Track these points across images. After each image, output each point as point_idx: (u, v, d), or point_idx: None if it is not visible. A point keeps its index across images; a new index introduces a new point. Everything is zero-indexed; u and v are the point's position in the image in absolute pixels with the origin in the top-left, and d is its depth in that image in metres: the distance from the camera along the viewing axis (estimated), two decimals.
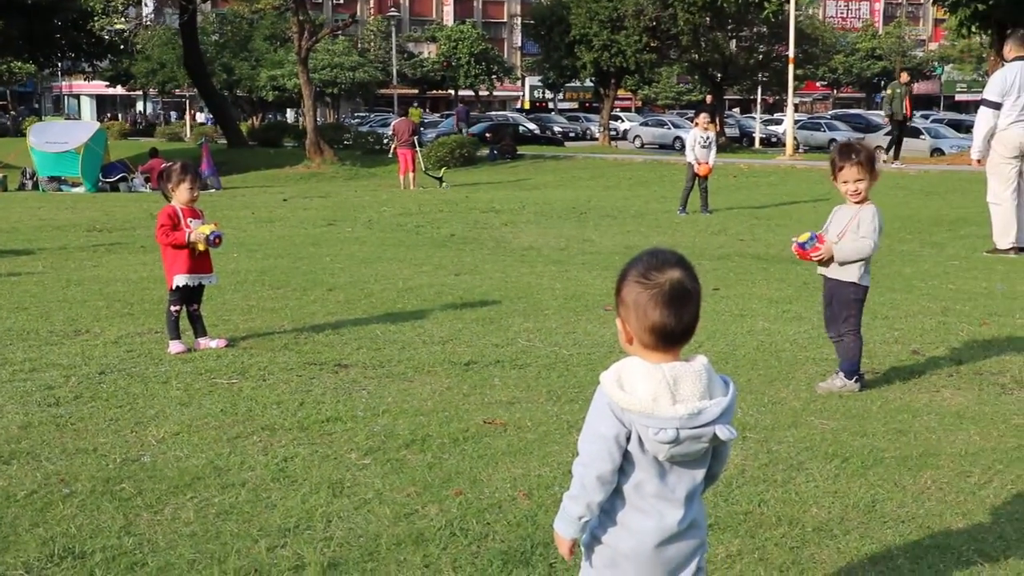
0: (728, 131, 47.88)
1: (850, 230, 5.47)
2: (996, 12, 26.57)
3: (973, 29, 28.58)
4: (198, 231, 6.52)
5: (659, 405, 2.33)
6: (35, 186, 25.46)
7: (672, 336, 2.37)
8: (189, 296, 6.69)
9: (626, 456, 2.40)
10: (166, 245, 6.57)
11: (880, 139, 33.75)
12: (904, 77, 27.35)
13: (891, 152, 26.88)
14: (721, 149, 20.10)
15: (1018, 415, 5.24)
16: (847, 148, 5.49)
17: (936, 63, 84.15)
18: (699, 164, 16.14)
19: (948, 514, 3.96)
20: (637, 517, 2.43)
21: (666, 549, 2.43)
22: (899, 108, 26.22)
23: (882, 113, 32.26)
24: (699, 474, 2.46)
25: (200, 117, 71.08)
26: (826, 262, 5.58)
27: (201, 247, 6.57)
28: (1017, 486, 4.25)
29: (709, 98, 36.80)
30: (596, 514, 2.45)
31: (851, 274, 5.57)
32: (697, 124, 16.84)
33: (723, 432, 2.36)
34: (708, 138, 16.35)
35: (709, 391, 2.38)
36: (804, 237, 5.53)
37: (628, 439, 2.38)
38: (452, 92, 78.01)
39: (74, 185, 25.15)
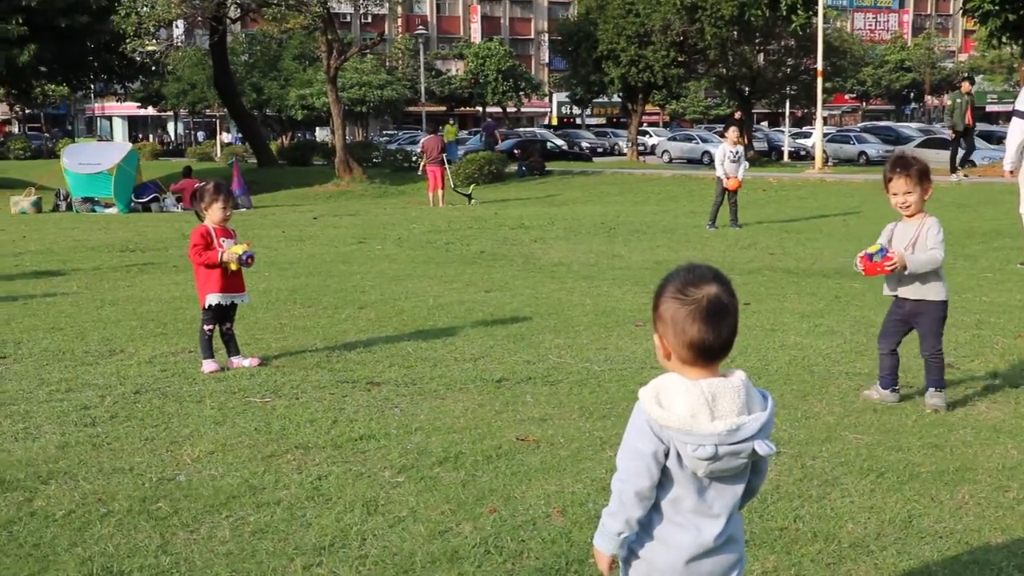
0: (756, 145, 47.65)
1: (919, 242, 5.43)
2: None
3: (1004, 40, 28.20)
4: (230, 251, 6.57)
5: (698, 422, 2.33)
6: (69, 207, 25.67)
7: (711, 351, 2.37)
8: (222, 315, 6.74)
9: (664, 472, 2.40)
10: (199, 264, 6.62)
11: (912, 150, 33.46)
12: (965, 87, 26.11)
13: (956, 165, 25.53)
14: (750, 163, 20.00)
15: None
16: (898, 160, 5.47)
17: (966, 74, 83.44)
18: (728, 178, 16.10)
19: (986, 529, 3.92)
20: (674, 531, 2.43)
21: (702, 563, 2.43)
22: (960, 119, 25.20)
23: (913, 126, 31.33)
24: (738, 489, 2.45)
25: (227, 137, 71.59)
26: (901, 278, 5.50)
27: (233, 266, 6.62)
28: None
29: (737, 112, 36.63)
30: (635, 530, 2.45)
31: (939, 293, 5.52)
32: (726, 139, 16.83)
33: (762, 448, 2.36)
34: (737, 152, 16.31)
35: (747, 406, 2.38)
36: (874, 248, 5.44)
37: (667, 455, 2.38)
38: (480, 109, 78.20)
39: (107, 206, 25.33)
